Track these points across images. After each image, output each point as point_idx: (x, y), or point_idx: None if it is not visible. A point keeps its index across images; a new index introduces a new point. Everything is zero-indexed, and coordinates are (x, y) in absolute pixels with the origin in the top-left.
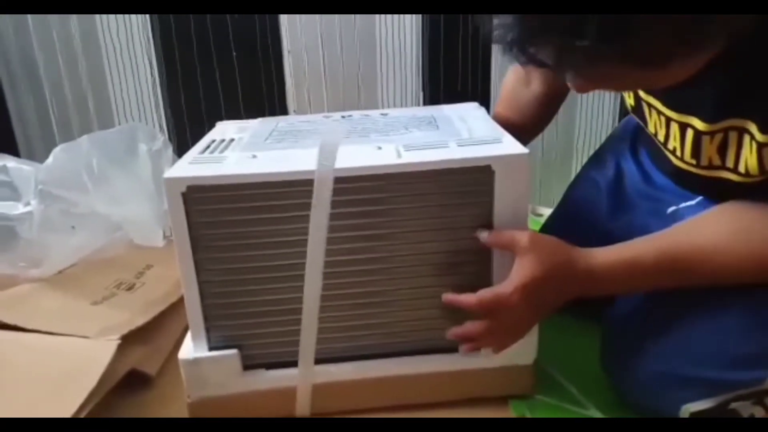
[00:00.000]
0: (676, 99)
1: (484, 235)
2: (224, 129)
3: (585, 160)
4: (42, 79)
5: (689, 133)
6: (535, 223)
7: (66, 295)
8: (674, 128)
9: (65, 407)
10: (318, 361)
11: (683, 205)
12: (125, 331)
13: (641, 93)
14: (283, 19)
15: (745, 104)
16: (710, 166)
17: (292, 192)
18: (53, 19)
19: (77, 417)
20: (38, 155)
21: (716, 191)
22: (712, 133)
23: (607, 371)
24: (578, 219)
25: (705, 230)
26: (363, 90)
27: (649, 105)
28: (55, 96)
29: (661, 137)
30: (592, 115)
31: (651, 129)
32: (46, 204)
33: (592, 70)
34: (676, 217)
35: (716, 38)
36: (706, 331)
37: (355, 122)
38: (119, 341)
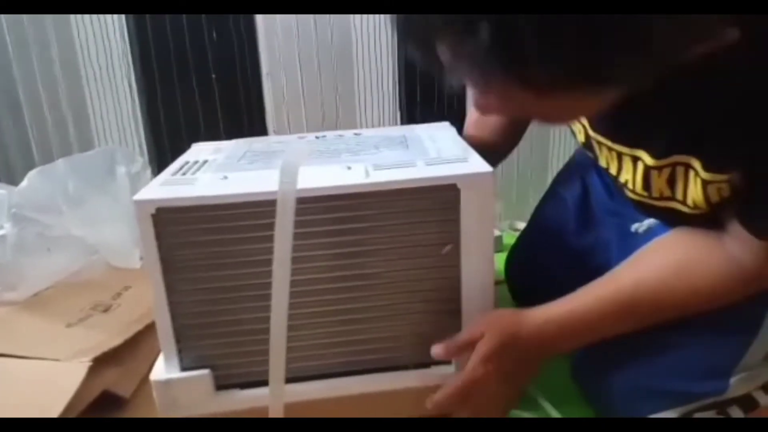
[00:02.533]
0: (623, 135)
1: (438, 352)
2: (199, 150)
3: None
4: (21, 101)
5: (640, 165)
6: (513, 238)
7: (41, 318)
8: (626, 161)
9: None
10: (291, 379)
11: (646, 222)
12: (98, 352)
13: (590, 131)
14: (262, 41)
15: (689, 142)
16: (661, 198)
17: (261, 212)
18: (32, 41)
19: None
20: (17, 179)
21: (671, 219)
22: (660, 168)
23: (578, 383)
24: (548, 236)
25: (647, 271)
26: (341, 111)
27: (598, 142)
28: (34, 119)
29: (613, 171)
30: (566, 129)
31: (603, 163)
32: (20, 227)
33: (486, 86)
34: (638, 238)
35: (627, 78)
36: (671, 345)
37: (329, 142)
38: (90, 363)
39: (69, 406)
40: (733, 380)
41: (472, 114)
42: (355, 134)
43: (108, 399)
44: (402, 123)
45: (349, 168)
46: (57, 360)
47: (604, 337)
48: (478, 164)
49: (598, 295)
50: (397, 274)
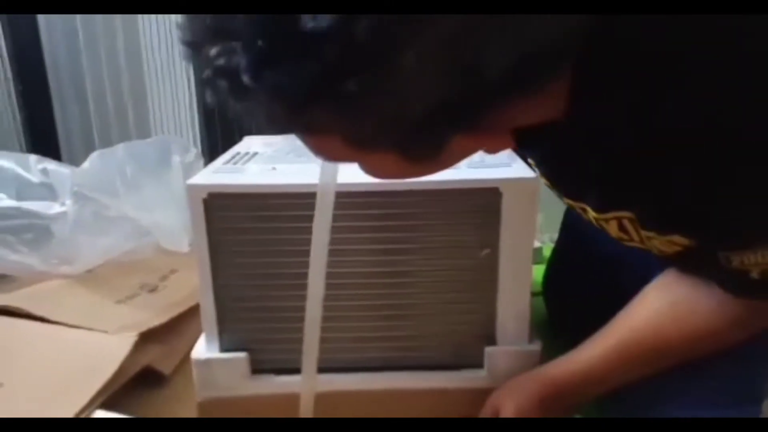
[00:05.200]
0: (568, 187)
1: None
2: (250, 143)
3: None
4: (87, 91)
5: (589, 215)
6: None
7: (92, 292)
8: (578, 209)
9: (79, 396)
10: (325, 370)
11: None
12: (143, 329)
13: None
14: None
15: (622, 199)
16: (623, 240)
17: (305, 203)
18: (101, 35)
19: (87, 409)
20: (79, 161)
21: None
22: (606, 220)
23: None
24: (579, 244)
25: (641, 319)
26: None
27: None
28: (97, 108)
29: (579, 211)
30: None
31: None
32: (80, 205)
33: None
34: None
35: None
36: (697, 376)
37: None
38: (136, 338)
39: (114, 377)
40: (765, 404)
41: None
42: None
43: (149, 375)
44: None
45: None
46: (105, 332)
47: (619, 385)
48: (521, 170)
49: (603, 348)
50: (434, 274)
